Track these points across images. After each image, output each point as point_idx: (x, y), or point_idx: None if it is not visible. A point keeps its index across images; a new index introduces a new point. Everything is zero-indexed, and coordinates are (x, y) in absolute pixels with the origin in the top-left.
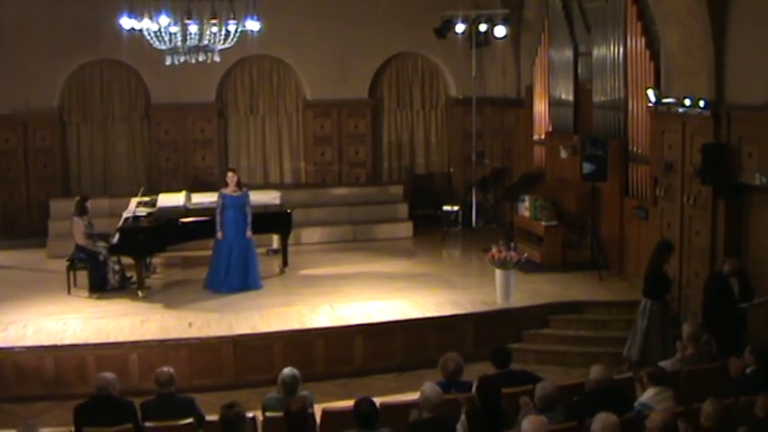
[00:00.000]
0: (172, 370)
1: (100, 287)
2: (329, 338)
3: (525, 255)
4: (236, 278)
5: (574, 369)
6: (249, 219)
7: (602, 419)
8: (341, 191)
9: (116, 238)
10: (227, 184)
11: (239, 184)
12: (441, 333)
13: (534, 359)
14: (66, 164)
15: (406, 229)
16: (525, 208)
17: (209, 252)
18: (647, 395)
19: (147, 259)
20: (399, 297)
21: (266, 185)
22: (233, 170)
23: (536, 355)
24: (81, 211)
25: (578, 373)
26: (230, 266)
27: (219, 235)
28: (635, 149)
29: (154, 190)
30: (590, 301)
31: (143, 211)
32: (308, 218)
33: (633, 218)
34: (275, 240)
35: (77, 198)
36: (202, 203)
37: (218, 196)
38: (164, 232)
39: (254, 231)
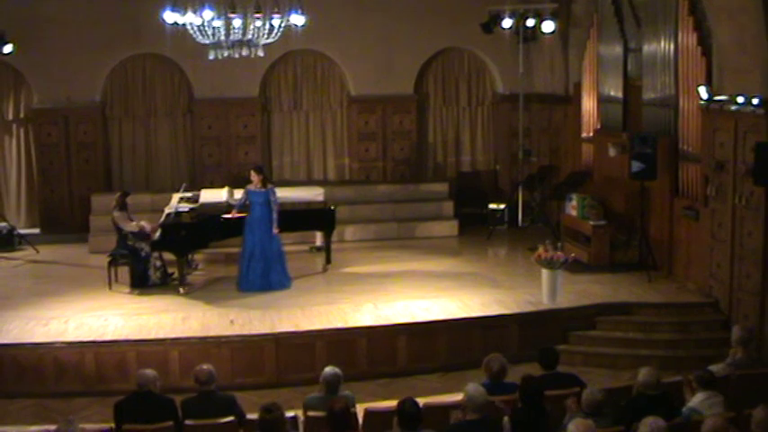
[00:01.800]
0: (212, 368)
1: (141, 283)
2: (372, 337)
3: (572, 254)
4: (256, 277)
5: (621, 372)
6: (275, 216)
7: (649, 424)
8: (385, 188)
9: (158, 233)
10: (251, 181)
11: (264, 182)
12: (485, 333)
13: (581, 361)
14: (108, 159)
15: (451, 227)
16: (572, 207)
17: None
18: (696, 400)
19: (189, 255)
20: (444, 296)
21: (310, 182)
22: (256, 170)
23: (583, 357)
24: (121, 206)
25: (626, 376)
26: (252, 265)
27: (229, 212)
28: (685, 148)
29: (196, 186)
30: (639, 303)
31: (185, 207)
32: (351, 215)
33: (683, 218)
34: (318, 238)
35: (118, 193)
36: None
37: (244, 192)
38: (206, 228)
39: (297, 228)
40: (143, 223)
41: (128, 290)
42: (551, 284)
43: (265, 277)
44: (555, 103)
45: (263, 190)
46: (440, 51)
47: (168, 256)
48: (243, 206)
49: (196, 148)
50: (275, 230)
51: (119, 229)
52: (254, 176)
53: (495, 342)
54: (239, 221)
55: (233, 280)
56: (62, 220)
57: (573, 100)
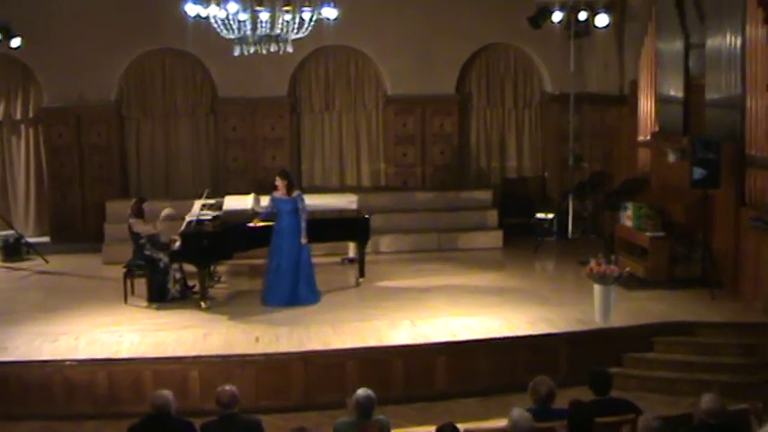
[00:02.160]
0: (235, 389)
1: (159, 297)
2: (409, 357)
3: (627, 269)
4: (283, 290)
5: (681, 398)
6: (303, 225)
7: None
8: (424, 195)
9: (177, 243)
10: (276, 188)
11: (290, 188)
12: (532, 354)
13: (636, 386)
14: (125, 162)
15: (495, 238)
16: (628, 217)
17: None
18: (765, 431)
19: (212, 267)
20: (487, 313)
21: (342, 188)
22: (281, 175)
23: (638, 381)
24: (137, 213)
25: (686, 403)
26: (279, 277)
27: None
28: (753, 153)
29: (220, 192)
30: (700, 323)
31: (208, 215)
32: (387, 224)
33: (750, 230)
34: (351, 249)
35: (133, 200)
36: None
37: (270, 199)
38: (229, 238)
39: (328, 238)
40: (165, 212)
41: (145, 304)
42: (604, 301)
43: (293, 291)
44: (609, 104)
45: (289, 197)
46: (484, 47)
47: (189, 267)
48: (270, 215)
49: (219, 152)
50: (303, 240)
51: (135, 238)
52: (278, 182)
53: (542, 364)
54: (266, 231)
55: (258, 294)
56: (74, 228)
57: (628, 100)
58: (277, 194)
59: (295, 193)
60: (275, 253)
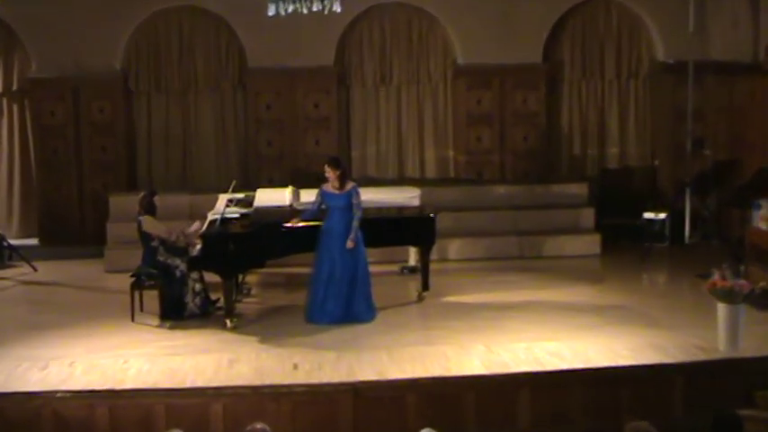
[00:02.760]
0: (268, 428)
1: (175, 313)
2: (483, 390)
3: (761, 284)
4: (335, 305)
5: None
6: (356, 223)
7: None
8: (503, 189)
9: (198, 247)
10: (326, 179)
11: (343, 180)
12: (637, 389)
13: None
14: (133, 147)
15: (591, 243)
16: (761, 218)
17: None
18: None
19: (240, 277)
20: (581, 337)
21: (401, 180)
22: (332, 164)
23: None
24: (148, 209)
25: None
26: (330, 289)
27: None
28: None
29: (250, 184)
30: None
31: (235, 212)
32: (457, 225)
33: None
34: (412, 255)
35: (142, 194)
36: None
37: (318, 194)
38: (262, 241)
39: (384, 242)
40: (194, 227)
41: (156, 322)
42: (731, 325)
43: (347, 306)
44: (739, 75)
45: (342, 191)
46: (579, 5)
47: (211, 277)
48: (315, 213)
49: (250, 135)
50: (350, 243)
51: (146, 241)
52: (329, 173)
53: (650, 402)
54: (308, 233)
55: (298, 310)
56: (69, 228)
57: (764, 69)
58: (327, 188)
59: (350, 186)
60: (324, 260)
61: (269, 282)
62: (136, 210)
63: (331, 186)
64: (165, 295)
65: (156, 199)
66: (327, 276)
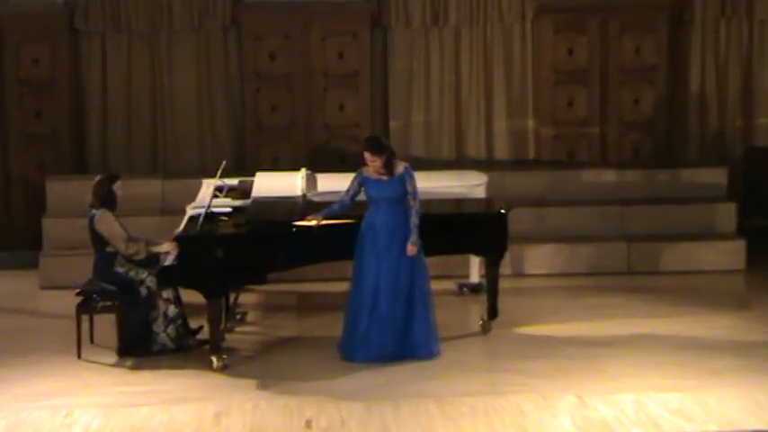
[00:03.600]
0: None
1: (140, 347)
2: None
3: None
4: (385, 335)
5: None
6: (414, 220)
7: None
8: (605, 175)
9: (172, 255)
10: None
11: (390, 164)
12: None
13: None
14: (81, 112)
15: (731, 253)
16: None
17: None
18: None
19: (231, 297)
20: (716, 386)
21: (461, 161)
22: (372, 146)
23: None
24: (105, 200)
25: None
26: (375, 314)
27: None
28: None
29: (246, 166)
30: None
31: (225, 206)
32: (538, 226)
33: None
34: (475, 268)
35: (98, 178)
36: (339, 192)
37: (354, 180)
38: (263, 246)
39: (436, 249)
40: (164, 247)
41: (113, 359)
42: None
43: (403, 337)
44: None
45: (391, 176)
46: None
47: (191, 296)
48: (347, 206)
49: (247, 96)
50: (411, 248)
51: (100, 245)
52: (369, 158)
53: None
54: (336, 234)
55: (313, 344)
56: None
57: None
58: (369, 173)
59: (400, 168)
60: (368, 271)
61: (272, 303)
62: (88, 202)
63: (373, 171)
64: (126, 322)
65: (118, 186)
66: (373, 295)
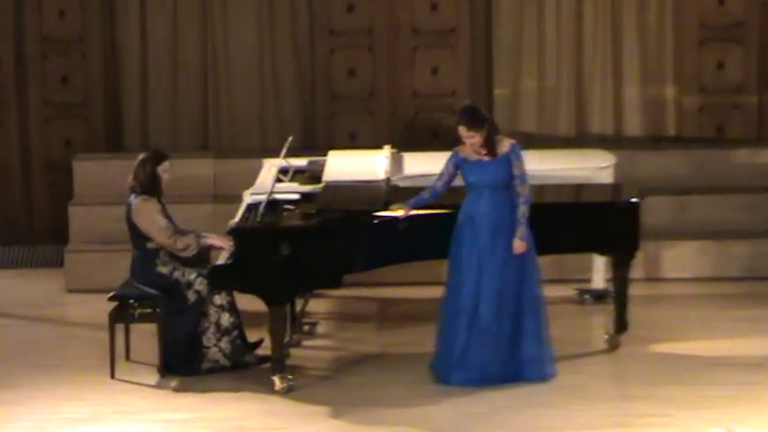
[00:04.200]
0: None
1: (186, 364)
2: None
3: None
4: (487, 353)
5: None
6: (523, 211)
7: None
8: (763, 156)
9: (226, 252)
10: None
11: (491, 140)
12: None
13: None
14: (116, 77)
15: None
16: None
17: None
18: None
19: (298, 304)
20: None
21: (582, 138)
22: (468, 118)
23: None
24: (147, 184)
25: None
26: (475, 326)
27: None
28: None
29: (317, 143)
30: None
31: (292, 192)
32: (679, 218)
33: None
34: (599, 270)
35: (140, 157)
36: (431, 175)
37: (448, 161)
38: (339, 241)
39: (553, 248)
40: (216, 241)
41: (155, 378)
42: None
43: (510, 355)
44: None
45: (493, 156)
46: None
47: (249, 301)
48: (440, 194)
49: (318, 58)
50: (518, 245)
51: (139, 239)
52: (465, 134)
53: None
54: (427, 227)
55: (397, 362)
56: (9, 213)
57: None
58: (466, 153)
59: (505, 146)
60: (466, 274)
61: (348, 312)
62: (127, 184)
63: (470, 151)
64: (170, 333)
65: (165, 168)
66: (472, 303)
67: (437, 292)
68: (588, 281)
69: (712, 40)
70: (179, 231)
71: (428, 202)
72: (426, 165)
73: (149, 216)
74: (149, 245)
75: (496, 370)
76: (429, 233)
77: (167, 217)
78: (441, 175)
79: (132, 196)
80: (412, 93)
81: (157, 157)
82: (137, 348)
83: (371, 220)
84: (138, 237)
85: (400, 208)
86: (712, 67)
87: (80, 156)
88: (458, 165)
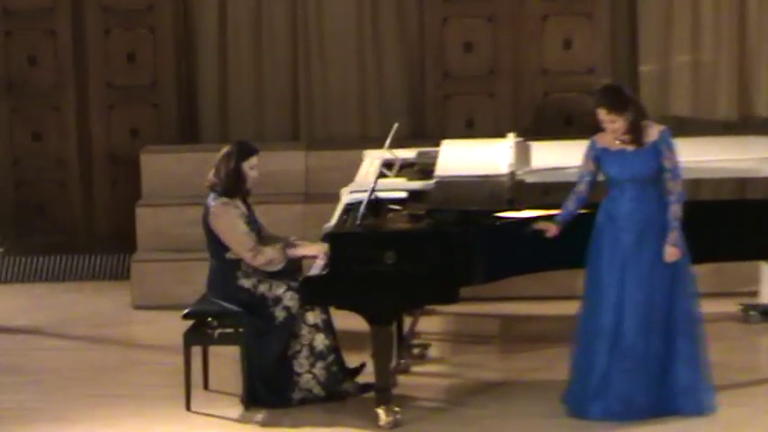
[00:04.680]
0: None
1: (275, 394)
2: None
3: None
4: (633, 380)
5: None
6: (675, 210)
7: None
8: None
9: (321, 261)
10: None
11: (636, 127)
12: None
13: None
14: (191, 54)
15: None
16: None
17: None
18: None
19: (406, 322)
20: None
21: (746, 122)
22: (610, 103)
23: None
24: (230, 183)
25: None
26: (618, 348)
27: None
28: None
29: (428, 131)
30: None
31: (397, 189)
32: None
33: None
34: (767, 281)
35: (224, 150)
36: (564, 168)
37: (587, 154)
38: (455, 248)
39: (709, 254)
40: (309, 249)
41: (238, 411)
42: None
43: (662, 382)
44: None
45: (636, 146)
46: None
47: (347, 319)
48: (585, 199)
49: (428, 29)
50: (671, 251)
51: (215, 247)
52: (605, 119)
53: None
54: (561, 230)
55: (528, 392)
56: (54, 218)
57: None
58: (606, 142)
59: (653, 134)
60: (605, 286)
61: (465, 332)
62: (206, 182)
63: (611, 140)
64: (256, 358)
65: (252, 165)
66: (614, 320)
67: (572, 307)
68: (755, 294)
69: None
70: (266, 240)
71: (574, 213)
72: (558, 156)
73: (229, 223)
74: (229, 255)
75: (643, 400)
76: (561, 237)
77: (253, 222)
78: (581, 176)
79: (211, 197)
80: (540, 70)
81: (244, 152)
82: (216, 375)
83: (493, 223)
84: (216, 244)
85: (547, 227)
86: None
87: (149, 148)
88: (597, 157)
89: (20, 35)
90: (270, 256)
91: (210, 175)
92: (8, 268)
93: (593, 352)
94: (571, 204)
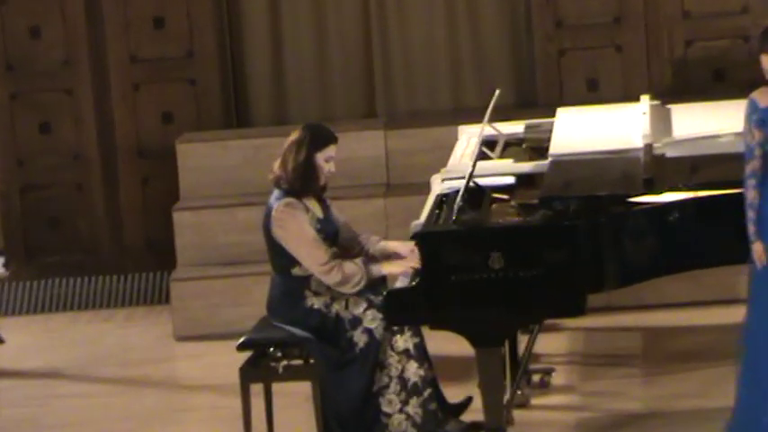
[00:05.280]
0: None
1: None
2: None
3: None
4: None
5: None
6: None
7: None
8: None
9: (410, 269)
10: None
11: None
12: None
13: None
14: (236, 20)
15: None
16: None
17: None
18: None
19: (521, 342)
20: None
21: None
22: None
23: None
24: (299, 178)
25: None
26: None
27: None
28: None
29: (537, 99)
30: None
31: (502, 173)
32: None
33: None
34: None
35: (295, 135)
36: (714, 136)
37: (748, 120)
38: (579, 246)
39: None
40: (395, 269)
41: None
42: None
43: None
44: None
45: None
46: None
47: (443, 342)
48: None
49: None
50: None
51: (279, 259)
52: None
53: None
54: (711, 217)
55: (690, 423)
56: (74, 232)
57: None
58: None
59: None
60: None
61: (596, 352)
62: (271, 176)
63: None
64: (332, 395)
65: (327, 156)
66: None
67: (734, 315)
68: None
69: None
70: (347, 242)
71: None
72: (707, 122)
73: (296, 230)
74: (296, 270)
75: None
76: (716, 227)
77: (330, 224)
78: (749, 149)
79: (275, 195)
80: (680, 13)
81: (319, 140)
82: (283, 419)
83: (627, 211)
84: (280, 256)
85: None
86: None
87: (186, 136)
88: (763, 120)
89: (18, 1)
90: (348, 272)
91: (275, 166)
92: (17, 296)
93: (763, 373)
94: (756, 196)
